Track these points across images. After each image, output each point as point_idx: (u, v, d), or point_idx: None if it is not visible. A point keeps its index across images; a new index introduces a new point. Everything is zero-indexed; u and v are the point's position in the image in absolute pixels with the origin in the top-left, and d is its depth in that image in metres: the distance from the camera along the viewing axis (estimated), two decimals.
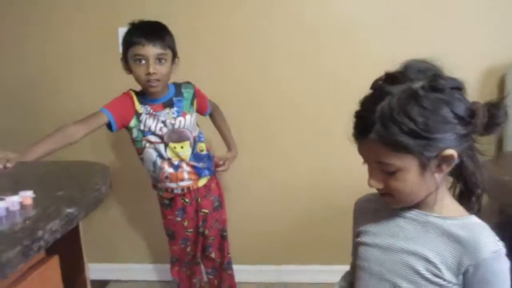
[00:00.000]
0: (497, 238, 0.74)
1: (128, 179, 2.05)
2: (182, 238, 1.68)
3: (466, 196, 0.80)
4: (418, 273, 0.76)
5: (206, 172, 1.62)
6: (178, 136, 1.55)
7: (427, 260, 0.75)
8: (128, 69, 1.50)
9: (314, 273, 1.99)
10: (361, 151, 0.77)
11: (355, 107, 0.78)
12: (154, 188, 1.67)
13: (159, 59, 1.45)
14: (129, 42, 1.46)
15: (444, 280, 0.74)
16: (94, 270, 2.08)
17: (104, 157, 2.02)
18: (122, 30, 1.53)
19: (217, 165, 1.68)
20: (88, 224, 2.15)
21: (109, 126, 1.48)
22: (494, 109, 0.73)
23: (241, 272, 1.95)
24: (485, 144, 0.79)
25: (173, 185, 1.58)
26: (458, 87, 0.73)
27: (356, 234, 0.90)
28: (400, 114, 0.69)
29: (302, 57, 1.89)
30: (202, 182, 1.62)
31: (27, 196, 0.76)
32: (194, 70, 1.74)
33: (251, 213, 2.05)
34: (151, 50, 1.43)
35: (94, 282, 1.98)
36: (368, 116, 0.73)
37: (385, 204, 0.82)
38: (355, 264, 0.89)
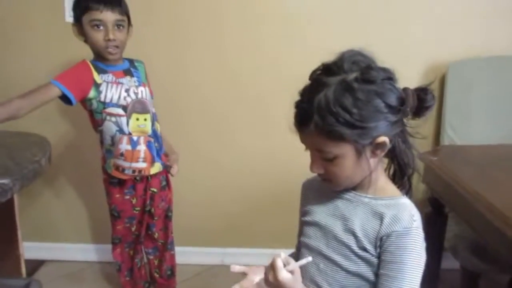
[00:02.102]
0: (415, 218, 0.79)
1: (70, 155, 1.98)
2: (128, 216, 1.64)
3: (399, 175, 0.87)
4: (349, 248, 0.83)
5: (159, 159, 1.59)
6: (142, 106, 1.51)
7: (355, 236, 0.82)
8: (82, 34, 1.44)
9: (258, 256, 2.02)
10: (303, 139, 0.82)
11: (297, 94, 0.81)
12: (102, 161, 1.59)
13: (117, 25, 1.42)
14: (85, 7, 1.40)
15: (371, 254, 0.81)
16: (30, 249, 2.00)
17: (47, 131, 1.92)
18: None
19: (168, 167, 1.64)
20: (24, 201, 2.06)
21: (65, 99, 1.42)
22: (422, 93, 0.80)
23: (184, 253, 1.94)
24: (423, 135, 0.85)
25: (126, 164, 1.52)
26: (389, 77, 0.78)
27: (302, 214, 0.96)
28: (336, 106, 0.74)
29: (248, 42, 1.89)
30: (154, 169, 1.58)
31: None
32: (142, 47, 1.69)
33: (197, 197, 2.05)
34: (110, 16, 1.40)
35: (29, 261, 1.90)
36: (307, 108, 0.77)
37: (327, 186, 0.87)
38: (299, 241, 0.95)
